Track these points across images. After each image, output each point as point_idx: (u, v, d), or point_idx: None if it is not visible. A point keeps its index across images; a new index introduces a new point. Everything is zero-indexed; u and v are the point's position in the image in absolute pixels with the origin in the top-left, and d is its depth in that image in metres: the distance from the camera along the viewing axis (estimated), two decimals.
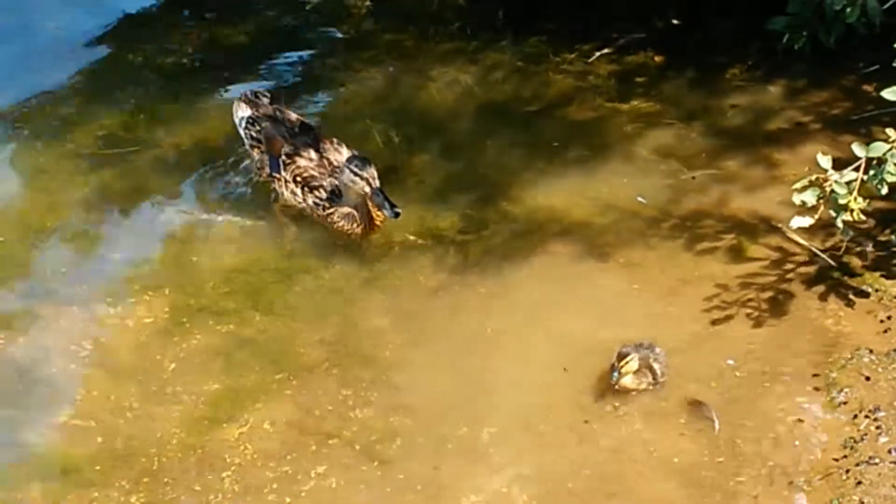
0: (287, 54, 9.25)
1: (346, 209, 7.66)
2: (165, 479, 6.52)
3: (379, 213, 7.59)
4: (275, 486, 6.45)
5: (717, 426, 6.53)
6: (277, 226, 7.91)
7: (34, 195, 8.21)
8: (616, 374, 6.68)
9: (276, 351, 7.11)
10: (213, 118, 8.67)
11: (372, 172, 7.51)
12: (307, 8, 9.68)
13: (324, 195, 7.73)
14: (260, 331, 7.22)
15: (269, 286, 7.50)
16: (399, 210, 7.49)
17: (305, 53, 9.24)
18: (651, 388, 6.73)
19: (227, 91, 8.91)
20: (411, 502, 6.37)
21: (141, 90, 9.02)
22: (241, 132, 8.08)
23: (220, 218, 7.96)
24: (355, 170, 7.53)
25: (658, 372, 6.73)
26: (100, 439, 6.71)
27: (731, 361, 6.86)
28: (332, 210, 7.69)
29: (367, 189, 7.52)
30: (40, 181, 8.31)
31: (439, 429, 6.66)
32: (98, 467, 6.59)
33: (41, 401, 6.91)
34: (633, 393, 6.71)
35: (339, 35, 9.38)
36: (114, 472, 6.55)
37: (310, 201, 7.76)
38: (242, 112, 8.10)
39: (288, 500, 6.41)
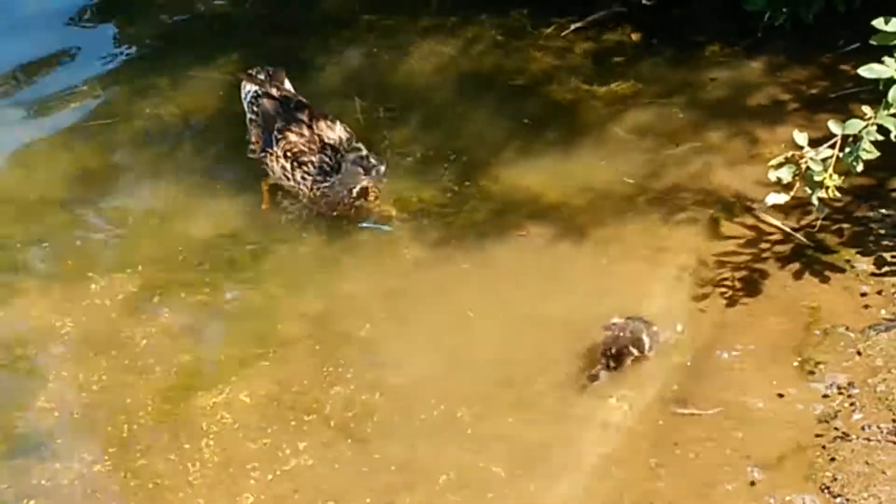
0: (267, 30, 9.23)
1: (339, 187, 7.65)
2: (137, 447, 6.53)
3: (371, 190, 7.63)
4: (254, 463, 6.45)
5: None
6: (256, 200, 7.90)
7: (11, 169, 8.20)
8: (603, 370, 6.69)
9: (253, 326, 7.12)
10: (193, 92, 8.65)
11: (381, 170, 7.51)
12: None
13: (312, 170, 7.73)
14: (236, 305, 7.24)
15: (246, 260, 7.51)
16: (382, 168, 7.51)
17: (286, 29, 9.21)
18: (636, 358, 6.74)
19: (206, 66, 8.89)
20: (387, 481, 6.37)
21: (120, 63, 8.99)
22: (245, 107, 8.11)
23: (198, 191, 7.96)
24: (367, 166, 7.52)
25: (647, 345, 6.73)
26: (61, 414, 6.73)
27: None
28: (320, 186, 7.68)
29: (361, 169, 7.52)
30: (17, 155, 8.30)
31: (417, 406, 6.66)
32: (60, 440, 6.61)
33: (14, 378, 6.91)
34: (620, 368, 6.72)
35: (317, 10, 9.35)
36: (78, 444, 6.57)
37: (297, 176, 7.75)
38: (248, 87, 8.13)
39: (269, 476, 6.40)
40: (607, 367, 6.69)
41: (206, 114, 8.52)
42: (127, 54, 9.08)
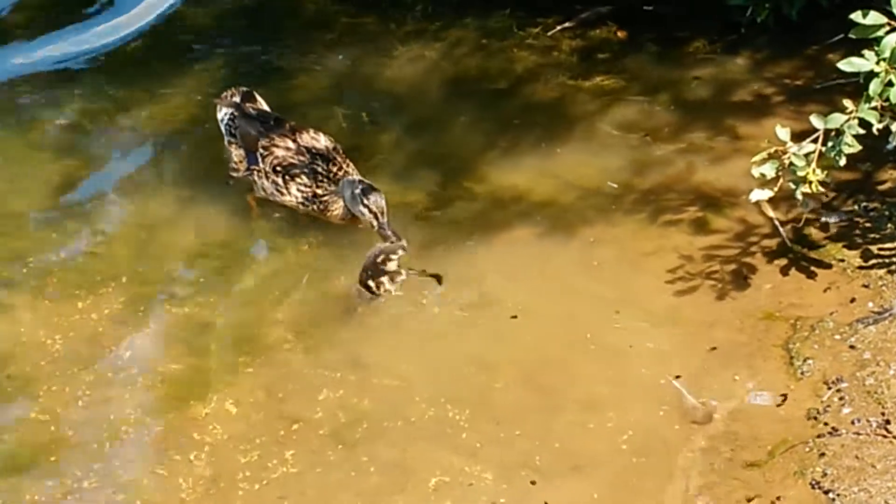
0: (247, 36, 9.21)
1: (338, 201, 7.61)
2: (118, 464, 6.51)
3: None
4: (247, 472, 6.44)
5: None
6: (242, 210, 7.88)
7: None
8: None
9: (240, 334, 7.10)
10: (174, 102, 8.65)
11: (381, 205, 7.43)
12: None
13: (307, 181, 7.70)
14: (222, 315, 7.21)
15: (232, 268, 7.49)
16: (405, 244, 7.42)
17: (265, 35, 9.20)
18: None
19: (187, 75, 8.88)
20: (377, 485, 6.37)
21: (100, 76, 8.98)
22: (223, 129, 8.08)
23: (182, 202, 7.94)
24: (365, 201, 7.45)
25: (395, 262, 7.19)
26: (55, 429, 6.69)
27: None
28: (325, 198, 7.66)
29: (374, 224, 7.46)
30: (4, 172, 8.27)
31: (406, 409, 6.66)
32: (53, 458, 6.58)
33: (7, 396, 6.86)
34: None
35: (299, 15, 9.35)
36: (68, 461, 6.54)
37: (293, 189, 7.73)
38: (224, 110, 8.08)
39: (256, 486, 6.38)
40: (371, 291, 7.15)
41: (186, 123, 8.50)
42: (107, 67, 9.05)
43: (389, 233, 7.41)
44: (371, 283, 7.19)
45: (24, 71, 9.07)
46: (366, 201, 7.44)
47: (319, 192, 7.66)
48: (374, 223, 7.45)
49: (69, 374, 6.93)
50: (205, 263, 7.54)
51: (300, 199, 7.72)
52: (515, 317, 7.08)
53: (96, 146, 8.40)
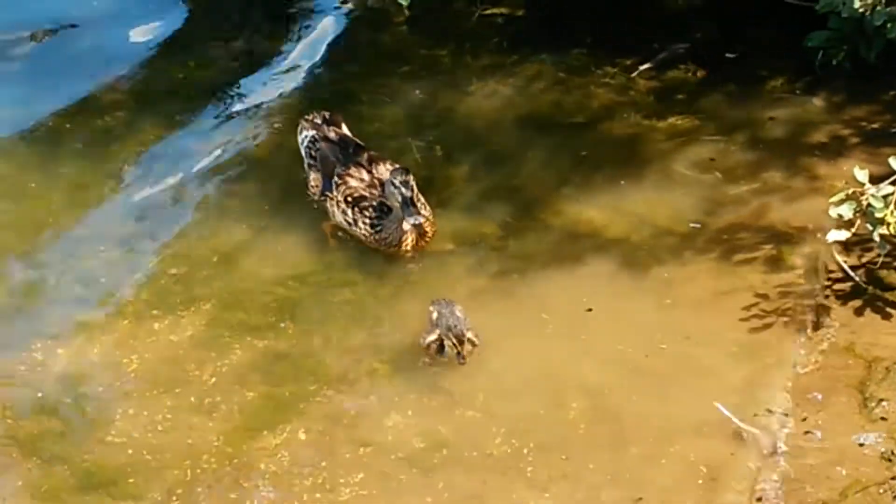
0: (324, 65, 9.31)
1: (395, 224, 7.68)
2: (199, 489, 6.55)
3: (426, 226, 7.64)
4: (316, 494, 6.47)
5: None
6: (318, 239, 7.95)
7: (76, 209, 8.26)
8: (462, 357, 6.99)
9: (313, 363, 7.14)
10: (253, 130, 8.75)
11: (405, 180, 7.53)
12: (345, 15, 9.75)
13: (372, 214, 7.76)
14: (295, 343, 7.26)
15: (306, 298, 7.53)
16: (418, 220, 7.50)
17: (342, 65, 9.29)
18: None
19: (266, 104, 8.98)
20: None
21: (182, 103, 9.09)
22: (303, 151, 8.16)
23: (259, 229, 8.00)
24: (392, 179, 7.58)
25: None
26: (132, 451, 6.75)
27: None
28: (380, 226, 7.72)
29: (399, 200, 7.55)
30: (82, 195, 8.37)
31: (481, 442, 6.66)
32: (132, 480, 6.63)
33: (84, 415, 6.94)
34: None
35: (376, 47, 9.43)
36: (148, 484, 6.59)
37: (359, 222, 7.79)
38: (305, 132, 8.18)
39: None
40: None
41: (265, 152, 8.60)
42: (188, 93, 9.16)
43: (408, 209, 7.47)
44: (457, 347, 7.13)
45: (101, 95, 9.20)
46: (392, 179, 7.54)
47: (375, 221, 7.71)
48: (399, 199, 7.50)
49: (146, 397, 7.01)
50: (278, 291, 7.57)
51: (362, 231, 7.77)
52: (587, 350, 7.09)
53: (175, 171, 8.49)
